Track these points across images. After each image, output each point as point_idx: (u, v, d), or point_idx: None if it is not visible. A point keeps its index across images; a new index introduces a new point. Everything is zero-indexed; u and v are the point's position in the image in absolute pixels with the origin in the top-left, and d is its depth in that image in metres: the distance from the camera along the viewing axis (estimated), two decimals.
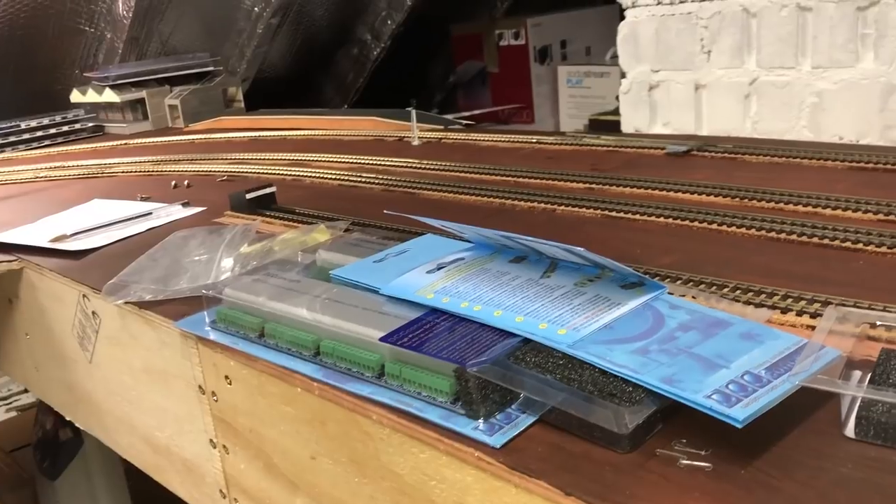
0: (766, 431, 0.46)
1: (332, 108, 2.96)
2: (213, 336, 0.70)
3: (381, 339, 0.56)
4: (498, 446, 0.49)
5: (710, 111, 1.31)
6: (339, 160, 1.34)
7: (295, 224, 0.98)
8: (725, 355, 0.49)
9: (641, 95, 1.40)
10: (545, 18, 2.80)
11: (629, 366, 0.48)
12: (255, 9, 2.51)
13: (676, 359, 0.49)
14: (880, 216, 0.79)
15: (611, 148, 1.22)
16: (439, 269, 0.65)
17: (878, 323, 0.54)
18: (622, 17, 1.41)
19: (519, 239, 0.61)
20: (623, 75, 1.43)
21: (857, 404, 0.46)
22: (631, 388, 0.47)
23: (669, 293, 0.58)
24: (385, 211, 0.78)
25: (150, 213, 1.13)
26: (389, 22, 2.84)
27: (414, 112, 1.42)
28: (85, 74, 2.18)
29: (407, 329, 0.57)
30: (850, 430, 0.46)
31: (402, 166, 1.26)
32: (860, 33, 1.13)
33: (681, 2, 1.30)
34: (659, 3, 1.33)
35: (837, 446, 0.46)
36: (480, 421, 0.51)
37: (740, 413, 0.43)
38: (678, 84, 1.34)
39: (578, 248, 0.56)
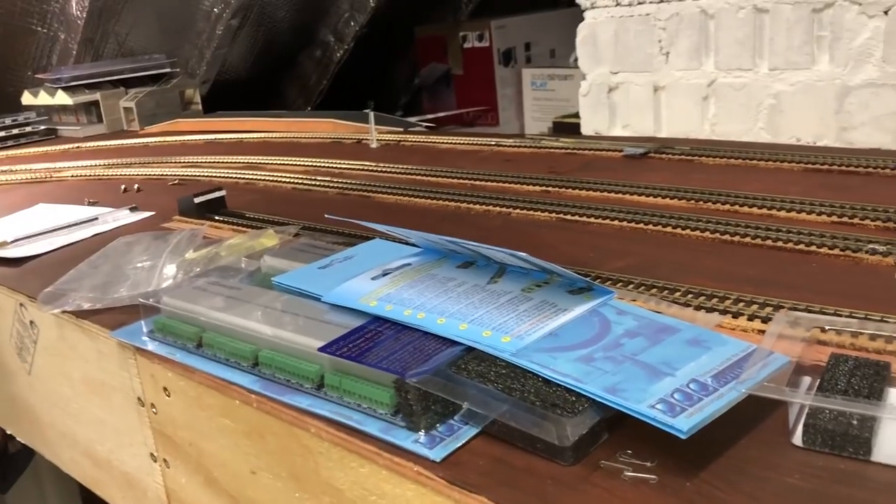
0: (713, 440, 0.45)
1: (296, 110, 2.93)
2: (150, 346, 0.68)
3: (321, 350, 0.54)
4: (438, 460, 0.47)
5: (669, 113, 1.31)
6: (294, 163, 1.32)
7: (244, 229, 0.95)
8: (671, 362, 0.47)
9: (601, 97, 1.39)
10: (509, 21, 2.80)
11: (573, 374, 0.47)
12: (215, 10, 2.47)
13: (621, 367, 0.47)
14: (834, 218, 0.78)
15: (569, 150, 1.21)
16: (384, 275, 0.63)
17: (828, 327, 0.53)
18: (582, 19, 1.40)
19: (465, 244, 0.59)
20: (583, 77, 1.42)
21: (805, 412, 0.45)
22: (574, 398, 0.46)
23: (618, 298, 0.57)
24: (326, 215, 0.76)
25: (96, 219, 1.10)
26: (352, 23, 2.81)
27: (372, 114, 1.40)
28: (37, 76, 2.13)
29: (347, 338, 0.55)
30: (797, 439, 0.45)
31: (358, 169, 1.24)
32: (816, 35, 1.13)
33: (639, 3, 1.29)
34: (617, 5, 1.32)
35: (785, 455, 0.44)
36: (421, 433, 0.49)
37: (684, 423, 0.42)
38: (637, 86, 1.33)
39: (522, 254, 0.54)
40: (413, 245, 0.68)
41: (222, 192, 1.05)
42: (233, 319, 0.62)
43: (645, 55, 1.31)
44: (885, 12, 1.06)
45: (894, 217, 0.75)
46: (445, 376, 0.49)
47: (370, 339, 0.54)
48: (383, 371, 0.50)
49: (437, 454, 0.47)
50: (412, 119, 2.34)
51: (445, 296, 0.57)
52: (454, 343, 0.52)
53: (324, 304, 0.61)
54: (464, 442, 0.48)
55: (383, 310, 0.57)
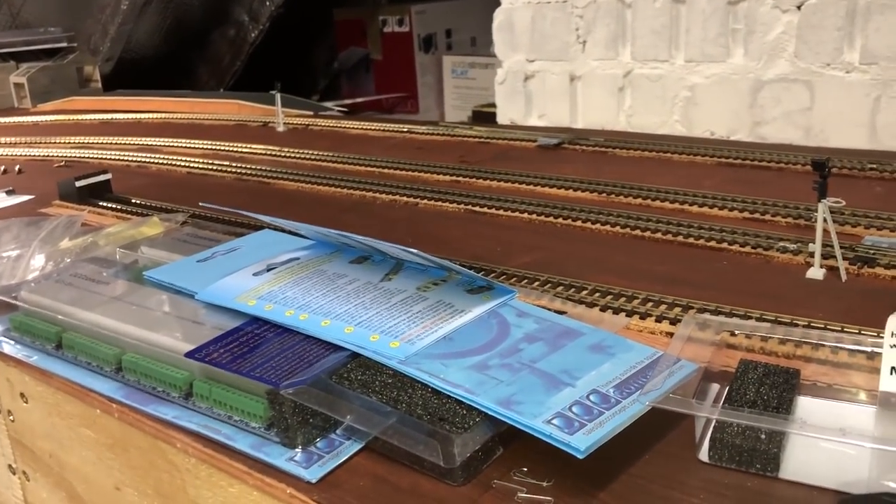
0: (614, 455, 0.41)
1: (208, 91, 2.81)
2: (6, 347, 0.60)
3: (188, 355, 0.48)
4: (314, 480, 0.42)
5: (585, 103, 1.28)
6: (192, 146, 1.24)
7: (129, 216, 0.88)
8: (572, 371, 0.43)
9: (517, 86, 1.35)
10: (430, 6, 2.74)
11: (464, 385, 0.42)
12: None
13: (518, 375, 0.43)
14: (746, 214, 0.76)
15: (482, 139, 1.17)
16: (269, 270, 0.57)
17: (737, 331, 0.50)
18: (499, 4, 1.36)
19: (355, 238, 0.54)
20: (500, 64, 1.39)
21: (712, 425, 0.42)
22: (465, 411, 0.41)
23: (521, 298, 0.53)
24: (201, 203, 0.70)
25: None
26: (268, 3, 2.72)
27: (278, 95, 1.33)
28: None
29: (220, 342, 0.49)
30: (704, 454, 0.42)
31: (261, 153, 1.17)
32: (731, 28, 1.12)
33: None
34: None
35: (690, 472, 0.41)
36: (297, 450, 0.44)
37: (582, 442, 0.38)
38: (553, 75, 1.30)
39: (413, 249, 0.49)
40: (305, 237, 0.63)
41: (107, 176, 0.97)
42: (95, 318, 0.55)
43: (562, 43, 1.28)
44: (799, 7, 1.06)
45: (805, 214, 0.74)
46: (325, 387, 0.44)
47: (246, 343, 0.49)
48: (255, 380, 0.45)
49: (313, 474, 0.42)
50: (329, 104, 2.27)
51: (334, 294, 0.52)
52: (338, 348, 0.47)
53: (199, 303, 0.55)
54: (344, 459, 0.43)
55: (262, 310, 0.52)
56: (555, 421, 0.39)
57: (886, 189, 0.82)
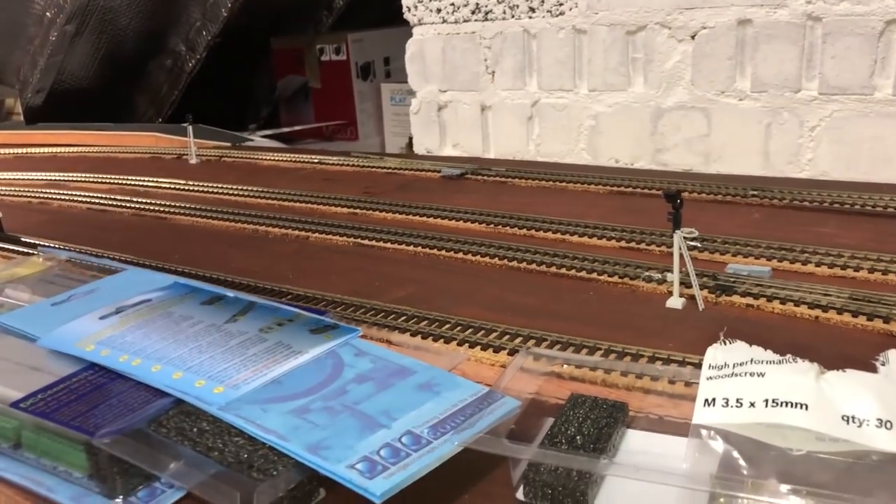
0: (434, 495, 0.41)
1: (146, 121, 2.79)
2: None
3: (13, 404, 0.47)
4: None
5: (496, 132, 1.29)
6: (100, 180, 1.22)
7: (13, 255, 0.86)
8: (392, 411, 0.43)
9: (431, 115, 1.36)
10: (367, 34, 2.75)
11: (278, 431, 0.42)
12: (48, 14, 2.33)
13: (337, 419, 0.43)
14: (622, 243, 0.77)
15: (389, 170, 1.17)
16: (117, 313, 0.56)
17: (569, 363, 0.51)
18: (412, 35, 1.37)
19: (188, 282, 0.54)
20: (413, 95, 1.40)
21: (526, 463, 0.42)
22: (276, 458, 0.41)
23: (364, 337, 0.53)
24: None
25: None
26: (204, 33, 2.70)
27: (190, 128, 1.32)
28: None
29: (49, 390, 0.48)
30: (521, 493, 0.42)
31: (166, 187, 1.16)
32: (631, 57, 1.14)
33: (465, 21, 1.27)
34: (444, 22, 1.30)
35: None
36: (118, 500, 0.43)
37: (379, 486, 0.37)
38: (465, 105, 1.31)
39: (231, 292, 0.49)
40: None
41: None
42: None
43: (472, 74, 1.29)
44: (693, 37, 1.08)
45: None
46: (141, 435, 0.43)
47: (76, 390, 0.48)
48: (72, 430, 0.44)
49: None
50: (262, 132, 2.26)
51: (173, 338, 0.52)
52: (165, 395, 0.47)
53: (42, 349, 0.54)
54: None
55: (98, 356, 0.51)
56: (359, 465, 0.39)
57: (764, 215, 0.84)
